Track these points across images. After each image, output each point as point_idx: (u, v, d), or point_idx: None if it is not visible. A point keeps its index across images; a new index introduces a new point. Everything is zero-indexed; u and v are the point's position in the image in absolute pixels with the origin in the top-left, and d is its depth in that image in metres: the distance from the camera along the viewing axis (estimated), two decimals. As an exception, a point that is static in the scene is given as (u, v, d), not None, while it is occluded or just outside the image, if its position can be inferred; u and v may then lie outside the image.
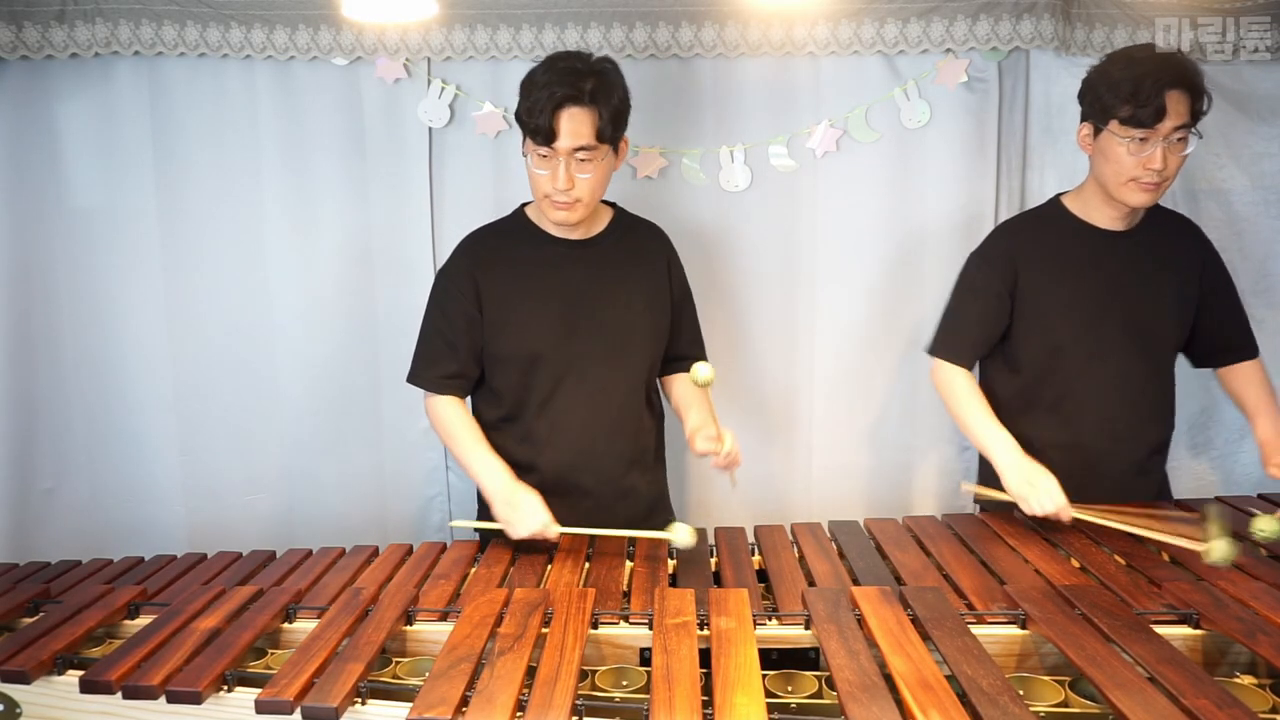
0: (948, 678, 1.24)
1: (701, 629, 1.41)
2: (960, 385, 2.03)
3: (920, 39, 2.37)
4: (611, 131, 1.84)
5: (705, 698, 1.22)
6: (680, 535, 1.76)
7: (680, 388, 2.09)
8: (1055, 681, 1.36)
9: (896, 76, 2.44)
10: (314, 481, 2.61)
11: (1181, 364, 2.12)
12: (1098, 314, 2.00)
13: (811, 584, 1.67)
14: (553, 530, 1.81)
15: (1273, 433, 2.00)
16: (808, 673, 1.40)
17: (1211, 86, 1.88)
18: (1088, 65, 1.98)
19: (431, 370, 1.98)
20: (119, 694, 1.34)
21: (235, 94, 2.43)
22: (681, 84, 2.46)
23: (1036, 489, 1.83)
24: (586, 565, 1.79)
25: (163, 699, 1.32)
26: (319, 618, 1.53)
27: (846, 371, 2.58)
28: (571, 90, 1.78)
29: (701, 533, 1.90)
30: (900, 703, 1.19)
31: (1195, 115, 1.86)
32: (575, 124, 1.79)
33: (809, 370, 2.59)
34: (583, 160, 1.82)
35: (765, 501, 2.60)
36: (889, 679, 1.25)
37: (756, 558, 1.84)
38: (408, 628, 1.55)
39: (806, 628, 1.47)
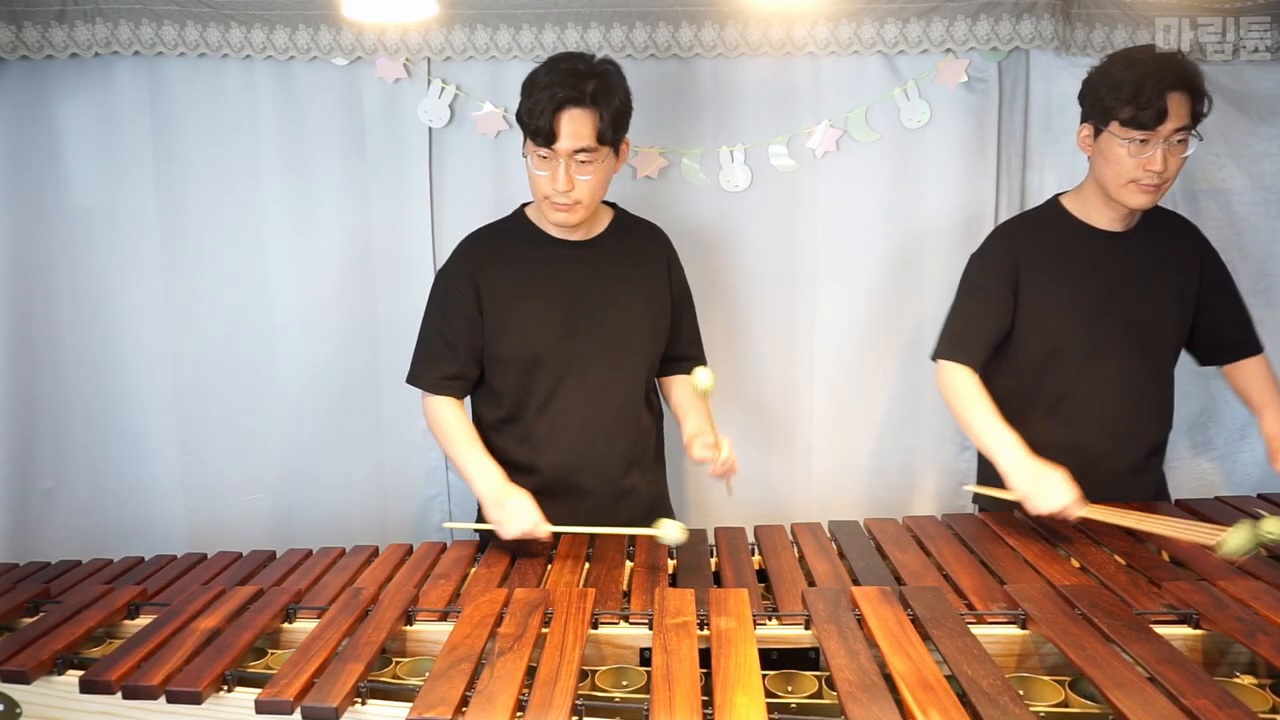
0: (948, 678, 1.24)
1: (701, 629, 1.41)
2: (965, 386, 2.00)
3: (920, 39, 2.37)
4: (612, 134, 1.83)
5: (705, 698, 1.22)
6: (669, 532, 1.75)
7: (679, 392, 2.09)
8: (1055, 681, 1.36)
9: (896, 76, 2.44)
10: (314, 482, 2.61)
11: (1181, 363, 2.12)
12: (1097, 314, 2.00)
13: (811, 584, 1.66)
14: (542, 529, 1.80)
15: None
16: (808, 673, 1.39)
17: (1211, 86, 1.88)
18: (1088, 65, 1.98)
19: (431, 371, 1.98)
20: (119, 694, 1.34)
21: (235, 94, 2.43)
22: (681, 84, 2.46)
23: (1043, 486, 1.80)
24: (586, 565, 1.78)
25: (163, 699, 1.32)
26: (319, 618, 1.53)
27: (846, 372, 2.58)
28: (573, 92, 1.78)
29: (701, 533, 1.91)
30: (900, 703, 1.19)
31: (1196, 117, 1.86)
32: (576, 125, 1.79)
33: (809, 370, 2.59)
34: (583, 162, 1.82)
35: (765, 501, 2.60)
36: (889, 679, 1.25)
37: (756, 558, 1.84)
38: (408, 628, 1.55)
39: (806, 628, 1.47)
